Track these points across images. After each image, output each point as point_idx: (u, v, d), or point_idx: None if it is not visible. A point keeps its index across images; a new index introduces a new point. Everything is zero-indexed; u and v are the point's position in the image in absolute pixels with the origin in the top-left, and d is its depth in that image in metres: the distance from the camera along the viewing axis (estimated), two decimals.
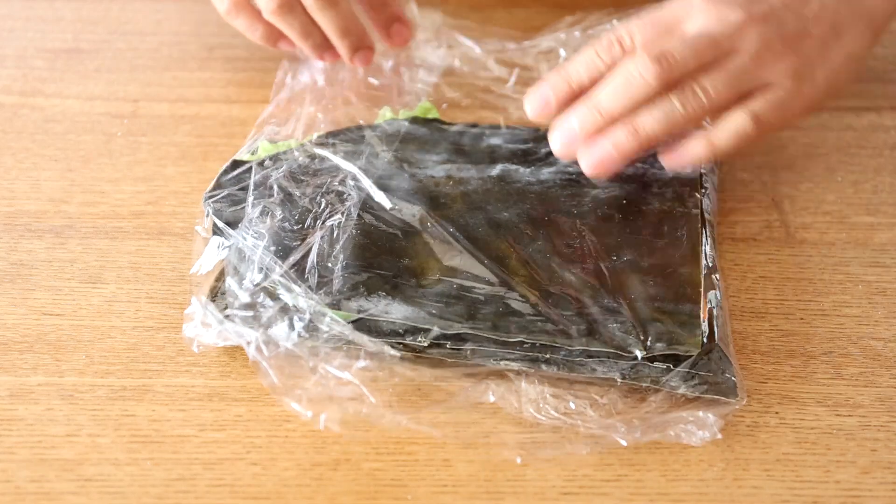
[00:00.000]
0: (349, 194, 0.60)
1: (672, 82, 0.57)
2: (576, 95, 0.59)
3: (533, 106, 0.60)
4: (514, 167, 0.62)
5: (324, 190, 0.60)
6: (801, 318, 0.58)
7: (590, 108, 0.58)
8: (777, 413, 0.52)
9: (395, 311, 0.54)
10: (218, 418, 0.52)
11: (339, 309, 0.54)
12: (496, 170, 0.62)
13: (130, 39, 0.80)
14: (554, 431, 0.51)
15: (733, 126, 0.58)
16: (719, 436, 0.51)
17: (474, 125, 0.68)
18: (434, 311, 0.54)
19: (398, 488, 0.49)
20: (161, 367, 0.54)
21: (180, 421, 0.52)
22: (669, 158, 0.61)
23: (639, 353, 0.52)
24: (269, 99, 0.72)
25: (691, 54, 0.56)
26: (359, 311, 0.54)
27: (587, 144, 0.59)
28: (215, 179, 0.62)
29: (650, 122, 0.57)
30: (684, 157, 0.60)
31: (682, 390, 0.52)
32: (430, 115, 0.69)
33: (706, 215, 0.60)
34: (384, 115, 0.68)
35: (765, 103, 0.58)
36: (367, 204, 0.59)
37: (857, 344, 0.56)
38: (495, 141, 0.66)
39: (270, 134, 0.66)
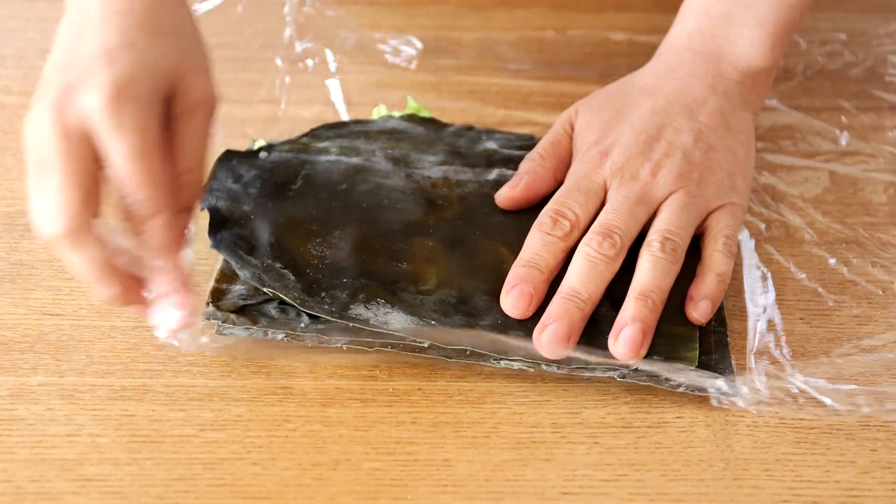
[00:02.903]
0: (347, 197, 0.60)
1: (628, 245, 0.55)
2: (548, 281, 0.55)
3: (517, 305, 0.54)
4: (510, 172, 0.62)
5: (320, 193, 0.60)
6: (801, 318, 0.58)
7: (571, 300, 0.53)
8: (777, 413, 0.52)
9: (394, 321, 0.53)
10: (218, 418, 0.52)
11: (339, 318, 0.53)
12: (493, 174, 0.62)
13: None
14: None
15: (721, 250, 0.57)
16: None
17: (470, 127, 0.67)
18: (434, 322, 0.53)
19: (398, 488, 0.49)
20: (161, 366, 0.54)
21: (180, 421, 0.52)
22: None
23: (637, 365, 0.52)
24: (269, 98, 0.72)
25: (632, 220, 0.55)
26: (358, 320, 0.53)
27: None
28: (210, 171, 0.61)
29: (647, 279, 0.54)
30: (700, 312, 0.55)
31: (682, 389, 0.52)
32: (423, 115, 0.68)
33: None
34: (379, 111, 0.68)
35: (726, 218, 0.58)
36: (364, 205, 0.59)
37: (857, 344, 0.56)
38: (491, 145, 0.65)
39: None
